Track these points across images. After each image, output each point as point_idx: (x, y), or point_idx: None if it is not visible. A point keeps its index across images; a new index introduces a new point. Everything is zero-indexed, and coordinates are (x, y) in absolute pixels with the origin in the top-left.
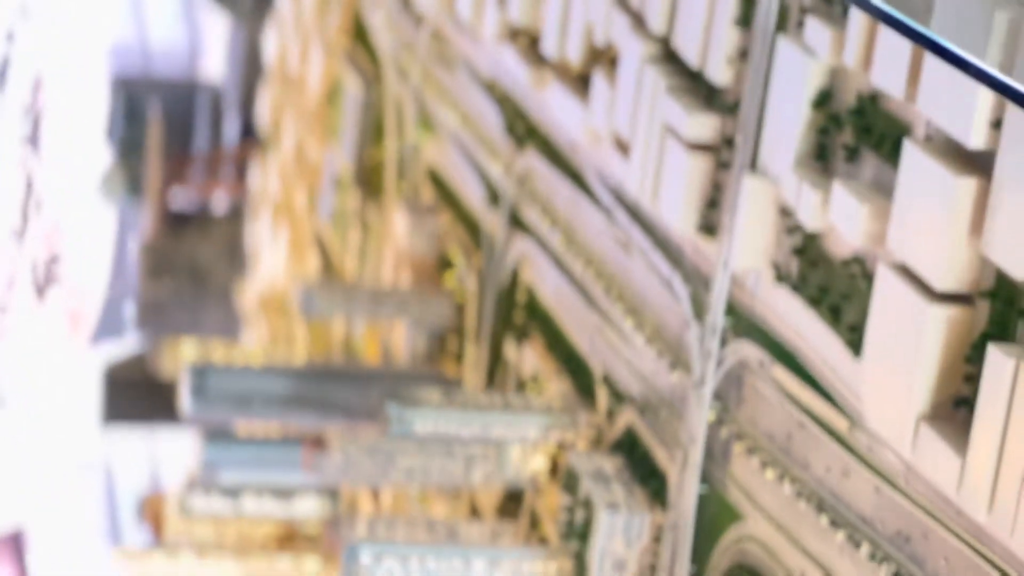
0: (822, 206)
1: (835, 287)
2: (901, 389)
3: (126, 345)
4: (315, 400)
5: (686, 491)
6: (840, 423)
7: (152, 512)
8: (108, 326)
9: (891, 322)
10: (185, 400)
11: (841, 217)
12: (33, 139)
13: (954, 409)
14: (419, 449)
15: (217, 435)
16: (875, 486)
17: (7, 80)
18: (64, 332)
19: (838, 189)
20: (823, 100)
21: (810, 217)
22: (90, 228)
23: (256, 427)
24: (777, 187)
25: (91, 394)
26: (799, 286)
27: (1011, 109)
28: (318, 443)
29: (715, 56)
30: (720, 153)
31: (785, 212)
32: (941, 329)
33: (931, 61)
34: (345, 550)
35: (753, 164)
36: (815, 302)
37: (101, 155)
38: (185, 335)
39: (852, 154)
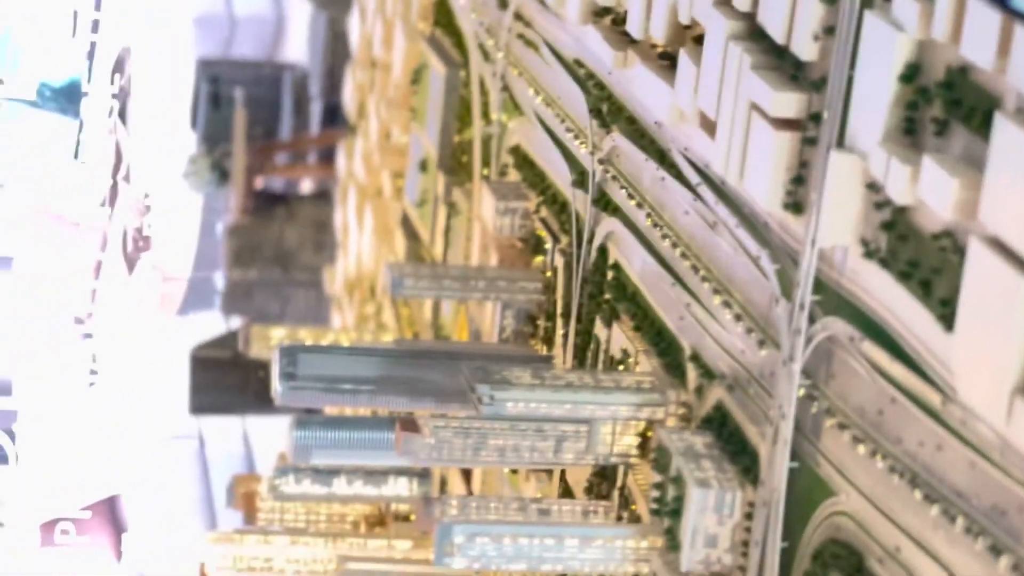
0: (911, 181)
1: (925, 261)
2: (995, 363)
3: (214, 325)
4: (405, 382)
5: (777, 467)
6: (933, 397)
7: (244, 493)
8: (196, 305)
9: (984, 295)
10: (276, 384)
11: (931, 191)
12: (121, 114)
13: None
14: (510, 429)
15: (308, 418)
16: (969, 460)
17: (96, 55)
18: (153, 306)
19: (928, 163)
20: (911, 74)
21: (899, 192)
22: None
23: (347, 409)
24: (865, 162)
25: (181, 370)
26: (888, 261)
27: None
28: (409, 425)
29: (801, 32)
30: (806, 129)
31: (873, 187)
32: None
33: (1021, 33)
34: (438, 530)
35: (840, 140)
36: (905, 277)
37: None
38: (272, 318)
39: (941, 128)
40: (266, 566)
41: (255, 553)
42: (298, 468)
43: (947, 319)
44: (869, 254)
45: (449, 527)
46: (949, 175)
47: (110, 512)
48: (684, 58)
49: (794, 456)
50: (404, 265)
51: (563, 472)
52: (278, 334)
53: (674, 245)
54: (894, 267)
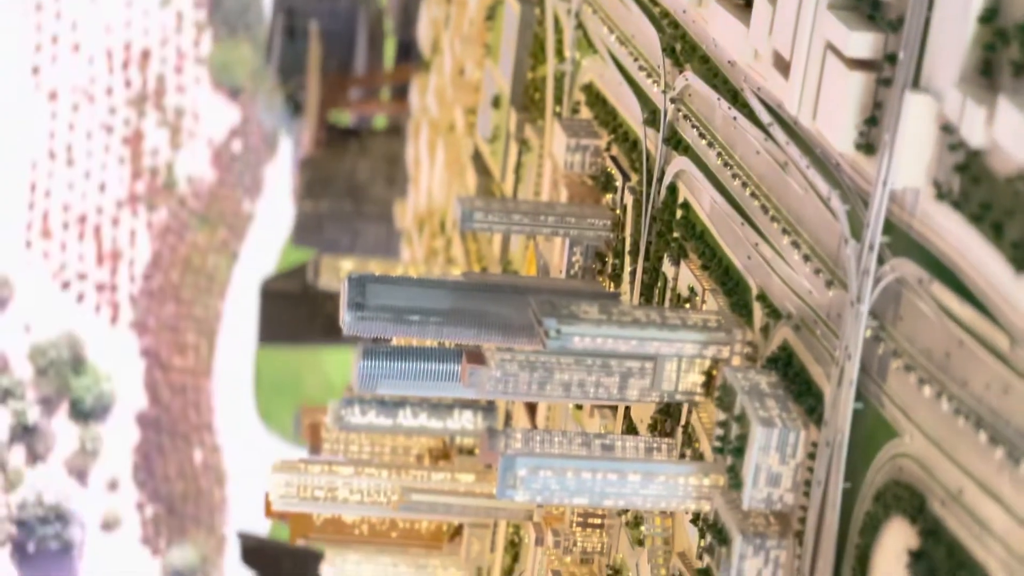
0: (987, 123)
1: (998, 204)
2: None
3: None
4: (473, 314)
5: (842, 407)
6: (1001, 340)
7: (310, 424)
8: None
9: None
10: (344, 313)
11: (1007, 133)
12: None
13: None
14: (575, 364)
15: (374, 348)
16: None
17: None
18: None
19: (1004, 105)
20: (990, 15)
21: (974, 134)
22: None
23: (413, 341)
24: (940, 104)
25: (250, 301)
26: (960, 203)
27: None
28: (475, 357)
29: None
30: (881, 70)
31: (947, 129)
32: None
33: None
34: (501, 462)
35: (915, 81)
36: (977, 219)
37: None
38: (343, 251)
39: (1019, 70)
40: (329, 496)
41: (319, 483)
42: (363, 399)
43: (1019, 262)
44: (941, 196)
45: (513, 459)
46: None
47: None
48: None
49: (858, 397)
50: (474, 199)
51: (627, 409)
52: (347, 266)
53: (744, 184)
54: (966, 209)
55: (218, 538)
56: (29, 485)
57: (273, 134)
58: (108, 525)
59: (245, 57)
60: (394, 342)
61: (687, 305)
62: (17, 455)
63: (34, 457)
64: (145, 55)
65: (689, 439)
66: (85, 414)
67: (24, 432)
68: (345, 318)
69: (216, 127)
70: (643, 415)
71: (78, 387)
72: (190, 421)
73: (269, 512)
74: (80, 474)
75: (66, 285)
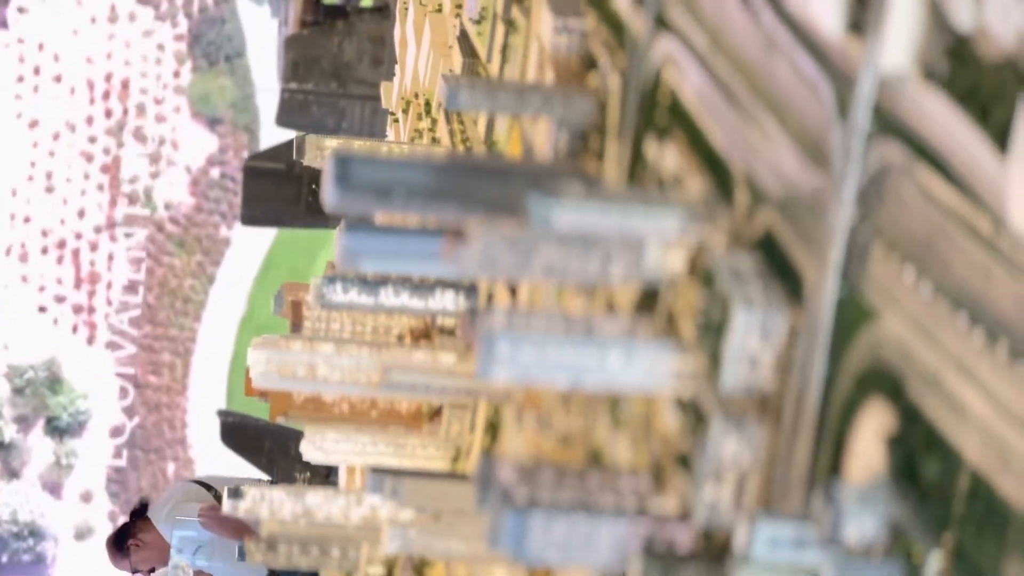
0: (976, 4)
1: (985, 88)
2: None
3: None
4: (457, 192)
5: (823, 290)
6: (984, 225)
7: (292, 302)
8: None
9: None
10: (328, 190)
11: (996, 16)
12: None
13: None
14: (558, 243)
15: (357, 224)
16: (1018, 289)
17: None
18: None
19: None
20: None
21: (963, 16)
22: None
23: (397, 218)
24: None
25: (225, 324)
26: (948, 86)
27: None
28: (458, 234)
29: None
30: None
31: (937, 10)
32: None
33: None
34: (482, 339)
35: None
36: (964, 102)
37: None
38: (328, 131)
39: None
40: (310, 373)
41: (300, 360)
42: (346, 277)
43: (1004, 146)
44: (929, 78)
45: (493, 337)
46: (1016, 0)
47: None
48: None
49: (841, 281)
50: (460, 77)
51: (610, 293)
52: (332, 144)
53: (731, 66)
54: (954, 92)
55: None
56: (3, 502)
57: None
58: (81, 534)
59: (224, 88)
60: (378, 221)
61: (672, 187)
62: None
63: (10, 473)
64: (125, 85)
65: (671, 322)
66: (61, 430)
67: (0, 448)
68: (328, 195)
69: (194, 155)
70: (626, 298)
71: (54, 405)
72: (164, 436)
73: (250, 390)
74: (54, 488)
75: (43, 309)
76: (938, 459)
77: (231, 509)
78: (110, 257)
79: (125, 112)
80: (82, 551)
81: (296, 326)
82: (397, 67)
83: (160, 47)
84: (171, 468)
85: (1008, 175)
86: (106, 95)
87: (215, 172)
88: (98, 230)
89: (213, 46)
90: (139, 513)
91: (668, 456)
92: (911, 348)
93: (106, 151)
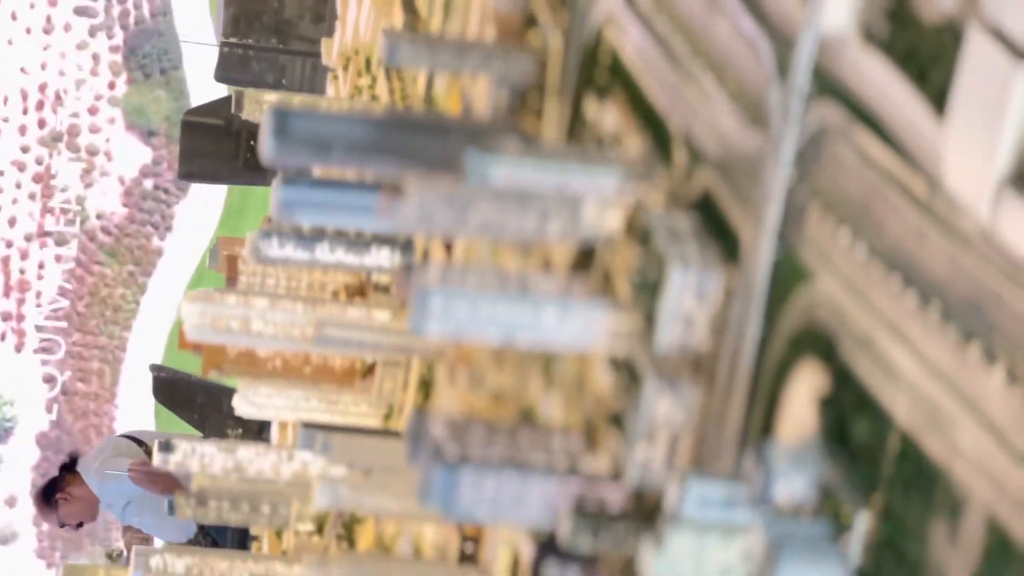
0: None
1: (924, 49)
2: (983, 153)
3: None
4: (395, 148)
5: (760, 251)
6: (920, 187)
7: (227, 256)
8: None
9: (978, 85)
10: (266, 142)
11: None
12: None
13: None
14: (495, 199)
15: (294, 177)
16: (951, 251)
17: None
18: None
19: None
20: None
21: None
22: None
23: (334, 173)
24: None
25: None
26: (887, 47)
27: None
28: (394, 189)
29: None
30: None
31: None
32: None
33: None
34: (415, 294)
35: None
36: (903, 63)
37: None
38: (268, 87)
39: None
40: (244, 328)
41: (233, 313)
42: (282, 231)
43: (940, 108)
44: (868, 40)
45: (427, 292)
46: None
47: None
48: None
49: (777, 241)
50: (401, 33)
51: (547, 249)
52: (271, 99)
53: (672, 25)
54: (893, 53)
55: (113, 552)
56: None
57: None
58: (5, 539)
59: (159, 100)
60: (315, 176)
61: (610, 146)
62: None
63: None
64: (59, 96)
65: (607, 281)
66: None
67: None
68: (266, 148)
69: (128, 166)
70: (562, 256)
71: None
72: (91, 442)
73: (183, 343)
74: None
75: None
76: (869, 420)
77: (161, 463)
78: (40, 265)
79: (59, 123)
80: (6, 556)
81: (231, 280)
82: (338, 23)
83: (95, 58)
84: None
85: (944, 138)
86: (40, 105)
87: (148, 183)
88: (28, 239)
89: (149, 59)
90: (68, 467)
91: (601, 415)
92: (845, 309)
93: (39, 161)
